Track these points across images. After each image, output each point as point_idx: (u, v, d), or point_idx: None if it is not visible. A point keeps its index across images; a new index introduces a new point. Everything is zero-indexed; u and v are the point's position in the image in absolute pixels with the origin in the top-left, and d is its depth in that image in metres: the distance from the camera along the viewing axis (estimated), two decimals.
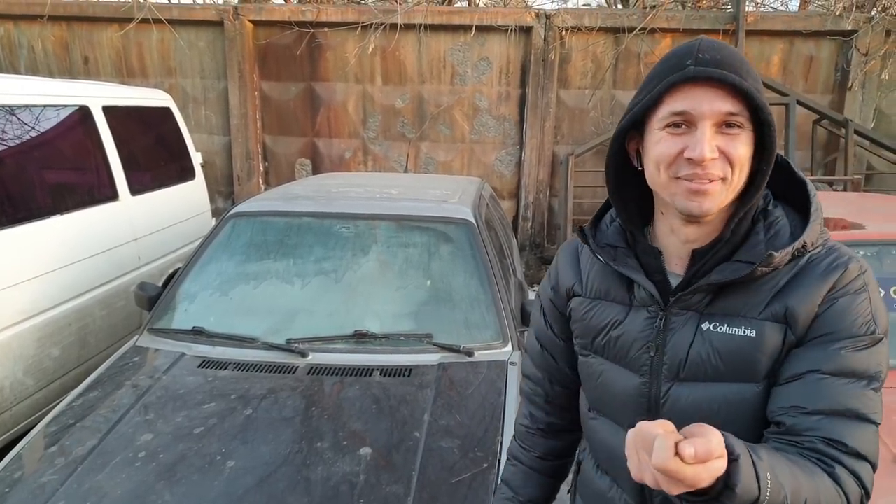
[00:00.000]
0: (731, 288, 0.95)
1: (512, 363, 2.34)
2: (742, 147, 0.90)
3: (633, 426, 0.94)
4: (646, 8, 6.48)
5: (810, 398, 0.88)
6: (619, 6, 8.15)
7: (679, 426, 0.91)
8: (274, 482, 1.69)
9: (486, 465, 1.76)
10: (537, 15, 6.56)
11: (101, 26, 6.94)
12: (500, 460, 1.79)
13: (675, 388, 0.99)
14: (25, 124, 3.26)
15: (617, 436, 1.08)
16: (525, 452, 1.29)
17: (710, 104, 0.89)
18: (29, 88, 3.35)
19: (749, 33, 6.30)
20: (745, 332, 0.93)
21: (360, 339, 2.40)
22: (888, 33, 6.25)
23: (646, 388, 1.02)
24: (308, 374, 2.22)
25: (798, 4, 7.86)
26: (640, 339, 1.02)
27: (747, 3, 6.49)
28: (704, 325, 0.96)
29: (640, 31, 6.38)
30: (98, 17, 6.87)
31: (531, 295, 5.10)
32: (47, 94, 3.46)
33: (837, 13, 6.31)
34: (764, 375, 0.94)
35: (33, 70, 7.02)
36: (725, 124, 0.89)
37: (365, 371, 2.24)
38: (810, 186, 0.98)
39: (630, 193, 1.05)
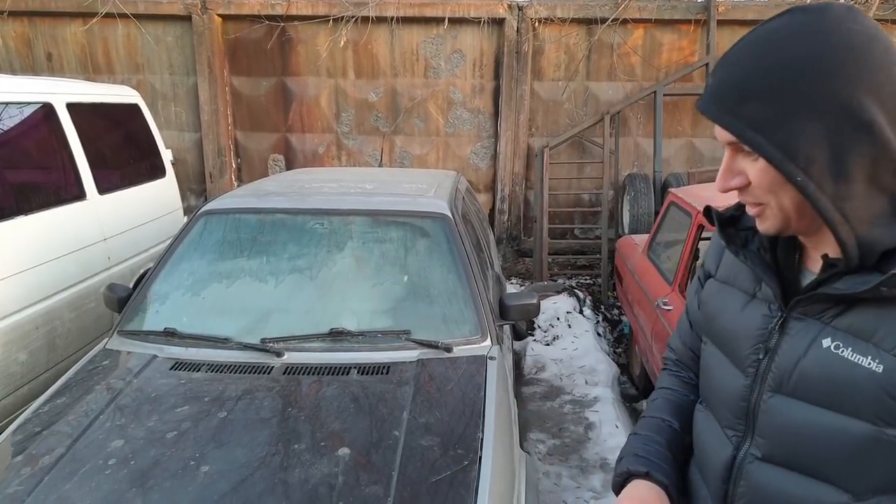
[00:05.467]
0: (870, 306, 0.80)
1: (491, 358, 2.32)
2: (758, 170, 0.83)
3: (733, 429, 0.97)
4: None
5: None
6: None
7: (775, 444, 0.91)
8: (250, 486, 1.65)
9: (466, 463, 1.74)
10: (510, 6, 6.53)
11: (65, 21, 6.77)
12: (480, 457, 1.77)
13: (776, 400, 0.90)
14: None
15: (715, 434, 1.01)
16: (674, 392, 1.22)
17: (718, 131, 0.86)
18: None
19: (720, 23, 6.35)
20: (870, 363, 0.79)
21: (337, 337, 2.36)
22: None
23: (748, 392, 0.94)
24: (284, 373, 2.18)
25: None
26: (752, 336, 0.94)
27: None
28: (825, 342, 0.84)
29: (612, 21, 6.39)
30: (61, 12, 6.69)
31: (509, 288, 5.09)
32: (8, 92, 3.34)
33: (807, 1, 6.39)
34: (885, 420, 0.79)
35: None
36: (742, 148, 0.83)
37: (342, 370, 2.20)
38: None
39: None
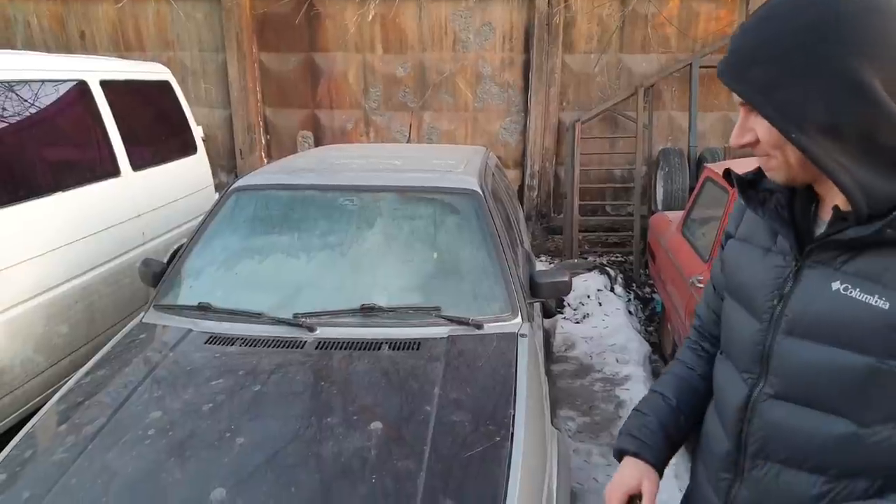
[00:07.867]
0: (878, 251, 0.88)
1: (522, 335, 2.31)
2: (765, 128, 0.93)
3: (749, 372, 1.06)
4: None
5: None
6: None
7: (787, 382, 0.99)
8: (284, 458, 1.68)
9: (498, 439, 1.74)
10: None
11: (97, 0, 6.82)
12: (512, 433, 1.77)
13: (788, 342, 0.97)
14: (24, 100, 3.20)
15: (732, 379, 1.09)
16: (686, 368, 1.30)
17: (735, 94, 0.96)
18: (26, 63, 3.29)
19: None
20: (877, 301, 0.86)
21: (368, 312, 2.37)
22: None
23: (762, 337, 1.02)
24: (316, 348, 2.20)
25: None
26: (768, 285, 1.02)
27: None
28: (835, 285, 0.91)
29: None
30: None
31: (539, 266, 5.06)
32: (45, 70, 3.39)
33: None
34: (888, 352, 0.86)
35: (30, 45, 6.93)
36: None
37: (373, 345, 2.21)
38: None
39: None
